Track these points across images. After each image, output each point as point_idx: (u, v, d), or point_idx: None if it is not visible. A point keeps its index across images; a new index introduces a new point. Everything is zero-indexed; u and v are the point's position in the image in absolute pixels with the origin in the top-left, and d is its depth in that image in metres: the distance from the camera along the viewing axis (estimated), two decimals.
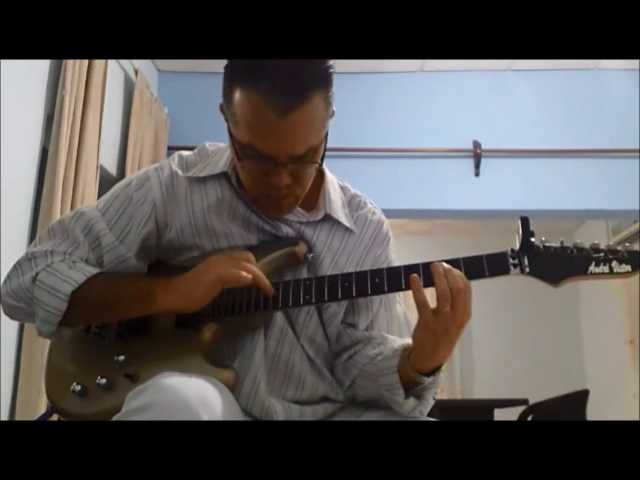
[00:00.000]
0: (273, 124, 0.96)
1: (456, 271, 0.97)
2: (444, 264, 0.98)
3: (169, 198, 1.13)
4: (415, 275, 0.98)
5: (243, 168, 1.05)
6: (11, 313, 1.15)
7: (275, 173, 1.01)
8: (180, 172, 1.14)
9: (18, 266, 1.13)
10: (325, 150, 1.05)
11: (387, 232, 1.22)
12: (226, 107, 1.03)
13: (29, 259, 1.12)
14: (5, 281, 1.13)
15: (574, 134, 3.65)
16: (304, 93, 0.96)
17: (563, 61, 3.64)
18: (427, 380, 1.01)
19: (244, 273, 1.02)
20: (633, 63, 3.59)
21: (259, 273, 1.04)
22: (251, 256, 1.06)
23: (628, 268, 0.97)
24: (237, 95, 0.99)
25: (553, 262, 0.99)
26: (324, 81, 1.00)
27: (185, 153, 1.19)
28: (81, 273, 1.07)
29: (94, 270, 1.09)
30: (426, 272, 0.99)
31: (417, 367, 1.01)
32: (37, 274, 1.08)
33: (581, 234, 5.49)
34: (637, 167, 3.54)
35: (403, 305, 1.29)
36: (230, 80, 1.01)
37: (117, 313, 1.10)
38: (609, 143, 3.61)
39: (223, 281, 1.03)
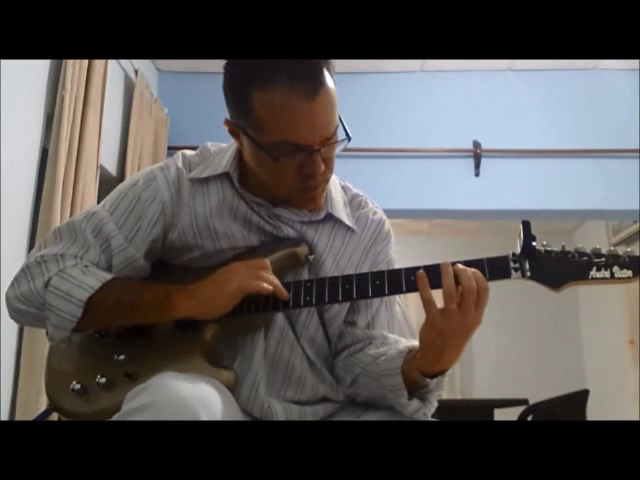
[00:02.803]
0: (304, 110, 0.98)
1: (473, 271, 0.96)
2: (459, 265, 0.97)
3: (176, 198, 1.12)
4: (421, 272, 0.98)
5: (277, 169, 1.04)
6: (18, 317, 1.13)
7: (311, 162, 1.03)
8: (185, 172, 1.14)
9: (27, 270, 1.10)
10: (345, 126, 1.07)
11: (388, 231, 1.21)
12: (243, 116, 1.03)
13: (38, 263, 1.09)
14: (13, 285, 1.11)
15: (574, 134, 3.65)
16: (320, 74, 1.00)
17: (563, 61, 3.64)
18: (431, 382, 1.01)
19: (265, 284, 1.02)
20: (633, 63, 3.59)
21: (277, 283, 1.04)
22: (268, 264, 1.06)
23: (629, 273, 0.96)
24: (257, 97, 0.99)
25: (554, 267, 0.98)
26: (328, 61, 1.03)
27: (188, 153, 1.19)
28: (96, 279, 1.06)
29: (108, 275, 1.08)
30: (427, 274, 0.98)
31: (422, 369, 1.01)
32: (50, 279, 1.06)
33: (581, 234, 5.49)
34: (637, 167, 3.54)
35: (403, 306, 1.29)
36: (243, 86, 1.01)
37: (132, 319, 1.08)
38: (609, 143, 3.60)
39: (245, 291, 1.02)
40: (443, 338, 0.96)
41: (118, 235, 1.11)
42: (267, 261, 1.07)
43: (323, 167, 1.04)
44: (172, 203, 1.12)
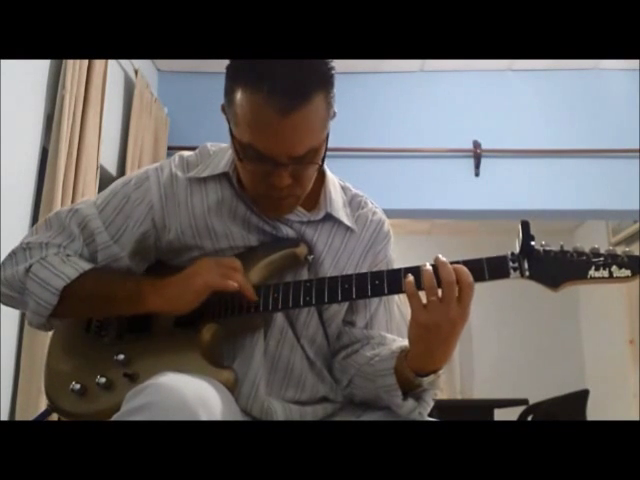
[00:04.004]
0: (274, 125, 0.96)
1: (456, 266, 0.96)
2: (441, 258, 0.97)
3: (167, 200, 1.13)
4: (406, 272, 0.99)
5: (243, 168, 1.05)
6: (5, 301, 1.16)
7: (275, 174, 1.01)
8: (180, 173, 1.14)
9: (13, 255, 1.14)
10: (326, 151, 1.05)
11: (388, 231, 1.21)
12: (227, 107, 1.03)
13: (24, 249, 1.13)
14: None
15: (574, 134, 3.65)
16: (305, 94, 0.97)
17: (563, 61, 3.64)
18: (424, 381, 1.00)
19: (230, 282, 1.04)
20: (633, 63, 3.59)
21: (244, 282, 1.05)
22: (238, 263, 1.07)
23: (628, 273, 0.96)
24: (239, 95, 0.99)
25: (553, 266, 0.98)
26: (325, 82, 1.00)
27: (186, 154, 1.19)
28: (73, 269, 1.08)
29: (87, 266, 1.10)
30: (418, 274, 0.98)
31: (414, 368, 1.00)
32: (31, 266, 1.09)
33: (581, 234, 5.49)
34: (637, 167, 3.54)
35: (402, 306, 1.29)
36: (232, 80, 1.01)
37: (107, 310, 1.11)
38: (609, 143, 3.60)
39: (210, 288, 1.04)
40: (429, 333, 0.95)
41: (103, 233, 1.12)
42: (237, 260, 1.08)
43: (289, 181, 1.02)
44: (162, 205, 1.13)
